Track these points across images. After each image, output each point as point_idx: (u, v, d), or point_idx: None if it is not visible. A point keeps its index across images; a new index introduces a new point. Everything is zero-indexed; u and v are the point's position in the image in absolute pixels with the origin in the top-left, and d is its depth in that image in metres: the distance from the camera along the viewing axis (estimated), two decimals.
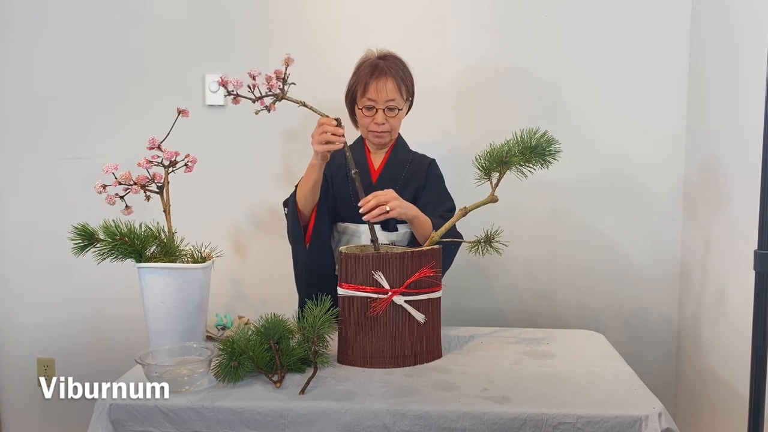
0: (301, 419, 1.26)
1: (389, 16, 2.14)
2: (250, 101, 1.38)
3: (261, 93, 1.39)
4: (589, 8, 2.11)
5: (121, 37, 2.19)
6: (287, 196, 1.78)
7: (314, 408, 1.26)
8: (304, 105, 1.43)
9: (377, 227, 1.73)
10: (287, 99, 1.38)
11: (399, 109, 1.73)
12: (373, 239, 1.54)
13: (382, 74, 1.70)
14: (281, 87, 1.38)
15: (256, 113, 1.40)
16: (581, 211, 2.18)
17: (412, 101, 1.81)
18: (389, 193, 1.55)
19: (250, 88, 1.36)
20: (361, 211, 1.52)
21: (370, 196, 1.53)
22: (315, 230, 1.72)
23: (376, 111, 1.72)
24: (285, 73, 1.38)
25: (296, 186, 1.79)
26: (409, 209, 1.59)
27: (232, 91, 1.36)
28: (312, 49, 2.15)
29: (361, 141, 1.84)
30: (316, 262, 1.72)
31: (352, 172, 1.54)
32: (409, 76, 1.76)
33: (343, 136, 1.51)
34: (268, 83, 1.38)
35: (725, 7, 1.88)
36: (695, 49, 2.07)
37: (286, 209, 1.77)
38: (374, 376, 1.42)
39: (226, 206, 2.23)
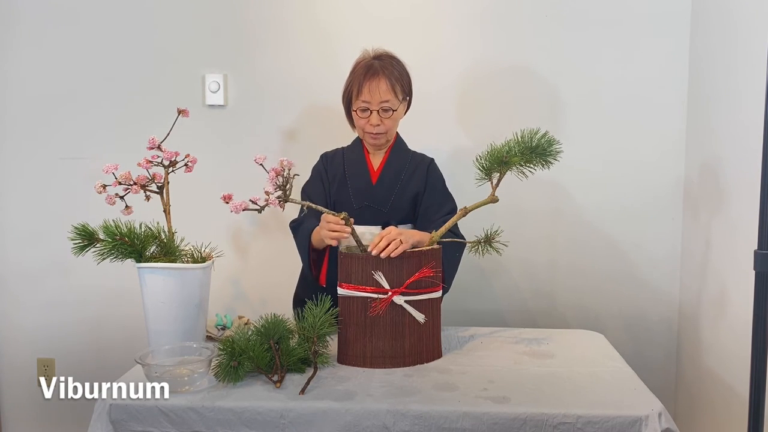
0: (301, 419, 1.26)
1: (390, 15, 2.14)
2: (256, 211, 1.40)
3: (268, 195, 1.41)
4: (589, 8, 2.10)
5: (121, 37, 2.19)
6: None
7: (314, 408, 1.27)
8: (310, 206, 1.45)
9: (378, 228, 1.74)
10: (291, 201, 1.39)
11: (393, 110, 1.73)
12: (361, 249, 1.53)
13: (375, 75, 1.69)
14: (284, 190, 1.39)
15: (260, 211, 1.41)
16: (581, 210, 2.18)
17: (410, 100, 1.80)
18: (392, 230, 1.52)
19: (252, 201, 1.39)
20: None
21: (376, 239, 1.49)
22: (330, 268, 1.72)
23: (371, 112, 1.72)
24: (284, 176, 1.39)
25: (301, 211, 1.79)
26: (414, 236, 1.55)
27: (234, 211, 1.40)
28: (317, 47, 2.15)
29: (359, 142, 1.84)
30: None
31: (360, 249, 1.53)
32: (405, 75, 1.75)
33: (353, 231, 1.49)
34: (272, 183, 1.39)
35: (725, 7, 1.88)
36: (695, 49, 2.07)
37: (294, 234, 1.77)
38: (374, 376, 1.42)
39: (226, 206, 2.22)
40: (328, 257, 1.74)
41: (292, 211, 1.86)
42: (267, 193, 1.38)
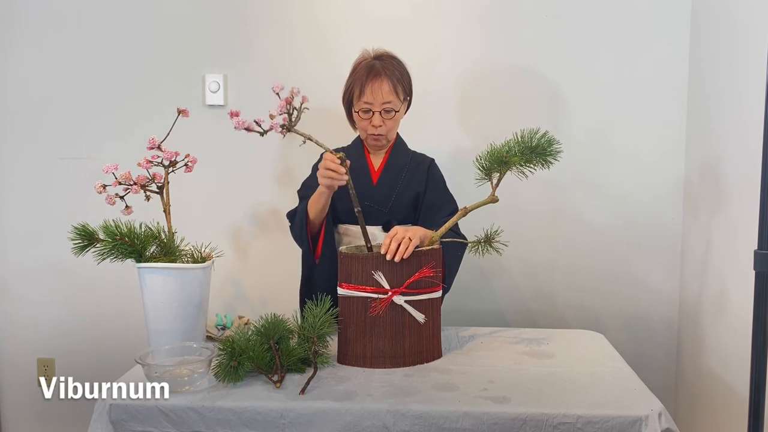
0: (301, 419, 1.26)
1: (390, 15, 2.14)
2: (259, 134, 1.39)
3: (271, 122, 1.39)
4: (589, 8, 2.11)
5: (121, 36, 2.19)
6: (287, 195, 1.78)
7: (314, 408, 1.27)
8: (310, 139, 1.43)
9: (379, 228, 1.74)
10: (294, 132, 1.38)
11: (396, 111, 1.73)
12: (368, 246, 1.53)
13: (378, 76, 1.68)
14: (289, 120, 1.37)
15: (262, 135, 1.40)
16: (581, 210, 2.18)
17: (410, 100, 1.80)
18: (399, 230, 1.50)
19: (257, 122, 1.37)
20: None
21: (387, 242, 1.47)
22: (325, 243, 1.72)
23: (373, 113, 1.72)
24: (292, 106, 1.37)
25: (299, 197, 1.79)
26: (419, 231, 1.54)
27: (237, 127, 1.37)
28: (317, 47, 2.15)
29: (360, 142, 1.84)
30: (328, 274, 1.64)
31: (356, 210, 1.51)
32: (406, 76, 1.75)
33: (347, 173, 1.49)
34: (280, 111, 1.37)
35: (725, 7, 1.88)
36: (695, 49, 2.07)
37: (290, 223, 1.77)
38: (374, 376, 1.42)
39: (226, 206, 2.23)
40: (323, 234, 1.72)
41: (291, 203, 1.85)
42: (271, 116, 1.35)
